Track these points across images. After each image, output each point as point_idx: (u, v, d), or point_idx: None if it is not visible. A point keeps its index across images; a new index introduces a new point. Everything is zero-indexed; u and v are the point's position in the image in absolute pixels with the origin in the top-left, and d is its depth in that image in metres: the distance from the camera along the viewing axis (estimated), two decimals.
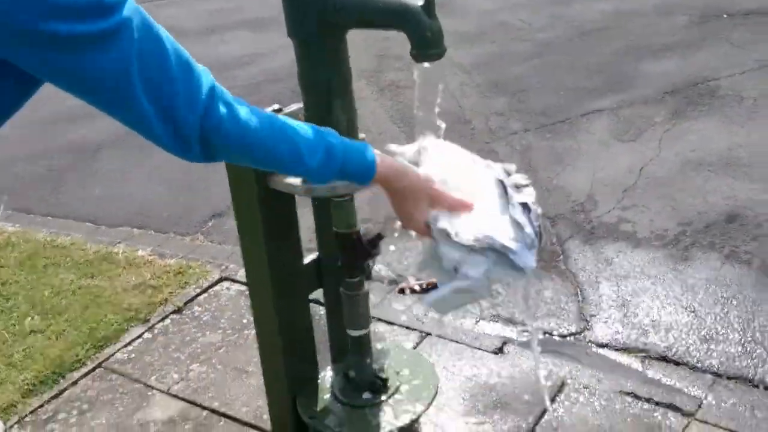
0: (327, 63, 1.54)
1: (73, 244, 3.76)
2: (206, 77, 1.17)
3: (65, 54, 1.00)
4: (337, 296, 1.90)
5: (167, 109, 1.12)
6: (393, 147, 1.53)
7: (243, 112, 1.21)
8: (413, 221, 1.41)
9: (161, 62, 1.09)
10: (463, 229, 1.39)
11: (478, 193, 1.45)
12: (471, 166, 1.52)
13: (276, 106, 1.70)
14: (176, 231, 4.01)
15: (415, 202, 1.40)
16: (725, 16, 6.09)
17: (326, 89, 1.57)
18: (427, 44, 1.40)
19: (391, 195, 1.40)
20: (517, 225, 1.42)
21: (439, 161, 1.48)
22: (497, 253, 1.39)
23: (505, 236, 1.39)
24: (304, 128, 1.30)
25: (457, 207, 1.42)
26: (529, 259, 1.40)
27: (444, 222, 1.39)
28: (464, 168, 1.50)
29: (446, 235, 1.38)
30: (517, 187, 1.49)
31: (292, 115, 1.69)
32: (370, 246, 1.76)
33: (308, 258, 1.92)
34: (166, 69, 1.09)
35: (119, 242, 3.80)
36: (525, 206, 1.45)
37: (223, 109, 1.18)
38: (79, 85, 1.06)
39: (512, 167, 1.52)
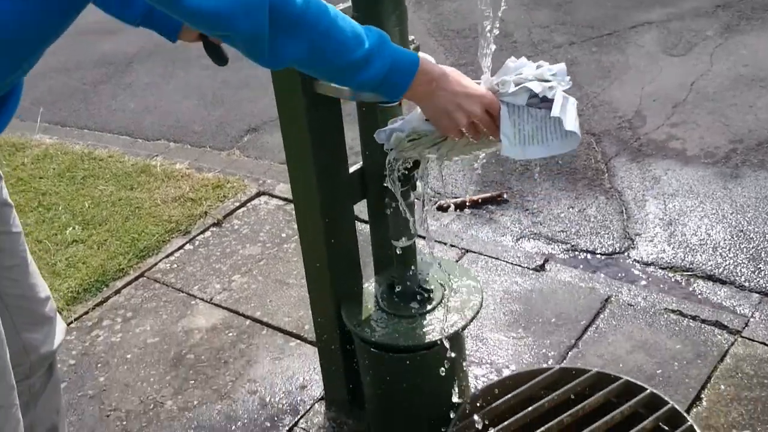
0: None
1: (111, 156, 3.76)
2: None
3: None
4: (381, 207, 1.86)
5: None
6: None
7: None
8: (471, 99, 1.37)
9: None
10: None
11: None
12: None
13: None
14: (212, 145, 3.99)
15: (464, 87, 1.38)
16: None
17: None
18: None
19: (436, 94, 1.37)
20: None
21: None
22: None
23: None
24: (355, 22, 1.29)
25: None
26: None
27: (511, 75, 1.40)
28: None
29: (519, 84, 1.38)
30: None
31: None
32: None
33: (353, 168, 1.87)
34: None
35: (156, 155, 3.78)
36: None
37: None
38: None
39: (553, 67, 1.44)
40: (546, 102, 1.38)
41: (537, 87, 1.37)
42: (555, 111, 1.34)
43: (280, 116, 1.80)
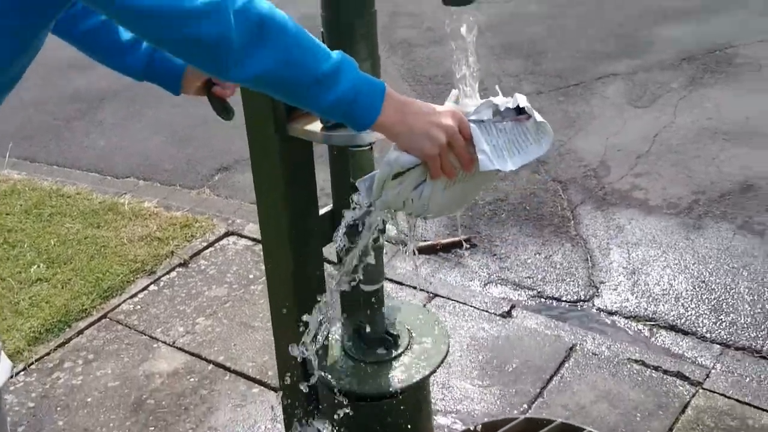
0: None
1: (79, 193, 3.73)
2: None
3: None
4: (350, 250, 1.87)
5: None
6: None
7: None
8: (442, 115, 1.33)
9: None
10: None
11: None
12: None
13: None
14: (182, 184, 3.97)
15: (430, 107, 1.34)
16: None
17: (350, 33, 1.52)
18: None
19: (407, 118, 1.32)
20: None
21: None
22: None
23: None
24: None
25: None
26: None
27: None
28: None
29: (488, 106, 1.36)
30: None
31: None
32: None
33: (324, 209, 1.88)
34: None
35: (125, 193, 3.76)
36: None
37: None
38: None
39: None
40: (509, 114, 1.39)
41: (498, 100, 1.38)
42: (537, 117, 1.36)
43: (251, 156, 1.80)
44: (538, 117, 1.37)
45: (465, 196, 1.51)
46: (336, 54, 1.23)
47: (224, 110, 1.70)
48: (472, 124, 1.40)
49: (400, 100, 1.31)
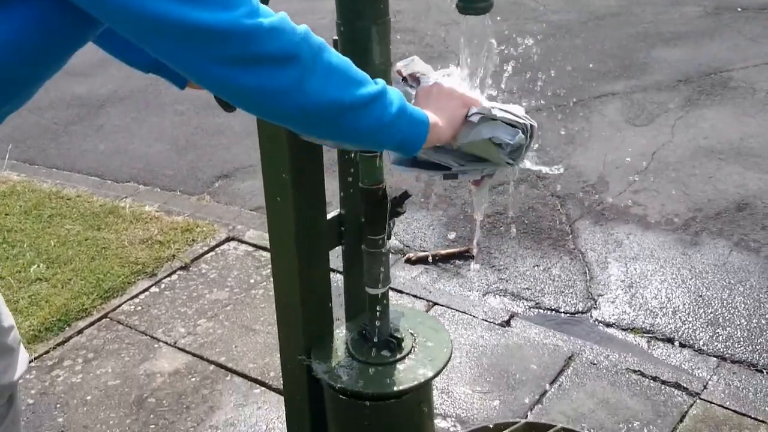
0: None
1: (79, 196, 3.74)
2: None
3: None
4: (355, 255, 1.89)
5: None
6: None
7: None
8: (450, 123, 1.38)
9: None
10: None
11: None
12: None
13: None
14: (182, 190, 3.99)
15: (454, 94, 1.40)
16: (739, 9, 6.06)
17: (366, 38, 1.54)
18: None
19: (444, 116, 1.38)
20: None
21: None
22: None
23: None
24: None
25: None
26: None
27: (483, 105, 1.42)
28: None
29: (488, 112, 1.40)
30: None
31: None
32: (396, 203, 1.74)
33: (331, 214, 1.90)
34: None
35: (125, 197, 3.77)
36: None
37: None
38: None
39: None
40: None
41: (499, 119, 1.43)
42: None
43: (261, 157, 1.82)
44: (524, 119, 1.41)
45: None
46: (395, 99, 1.25)
47: (228, 103, 1.70)
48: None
49: (435, 122, 1.34)
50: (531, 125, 1.42)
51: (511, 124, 1.42)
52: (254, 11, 1.07)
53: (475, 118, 1.42)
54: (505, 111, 1.44)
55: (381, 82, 1.26)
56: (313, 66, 1.13)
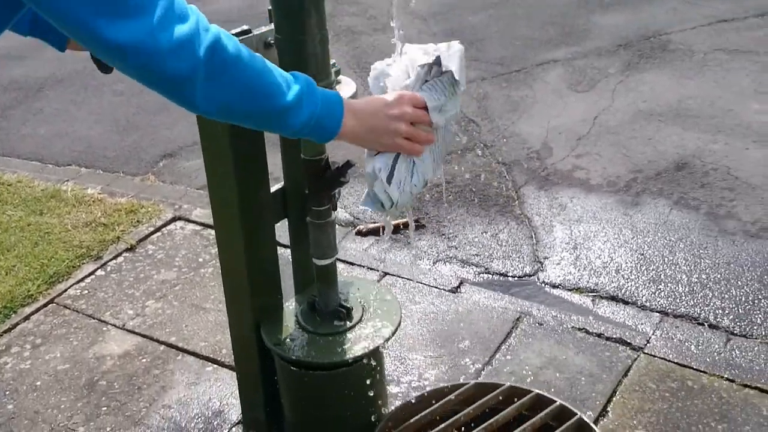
0: None
1: (20, 181, 3.65)
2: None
3: None
4: (302, 227, 1.90)
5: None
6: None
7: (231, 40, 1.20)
8: (394, 105, 1.39)
9: None
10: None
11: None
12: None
13: (245, 27, 1.66)
14: (126, 171, 3.92)
15: (379, 99, 1.41)
16: None
17: (299, 6, 1.54)
18: None
19: (365, 122, 1.38)
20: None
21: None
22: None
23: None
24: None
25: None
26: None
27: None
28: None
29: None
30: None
31: (263, 37, 1.66)
32: (339, 173, 1.75)
33: (275, 187, 1.90)
34: None
35: (67, 180, 3.69)
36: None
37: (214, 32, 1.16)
38: None
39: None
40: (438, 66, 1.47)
41: (421, 59, 1.46)
42: (451, 69, 1.44)
43: (201, 135, 1.81)
44: (459, 77, 1.44)
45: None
46: (297, 80, 1.27)
47: (105, 66, 1.65)
48: (423, 93, 1.45)
49: (355, 107, 1.37)
50: (438, 56, 1.45)
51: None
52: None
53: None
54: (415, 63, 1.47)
55: (301, 79, 1.28)
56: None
